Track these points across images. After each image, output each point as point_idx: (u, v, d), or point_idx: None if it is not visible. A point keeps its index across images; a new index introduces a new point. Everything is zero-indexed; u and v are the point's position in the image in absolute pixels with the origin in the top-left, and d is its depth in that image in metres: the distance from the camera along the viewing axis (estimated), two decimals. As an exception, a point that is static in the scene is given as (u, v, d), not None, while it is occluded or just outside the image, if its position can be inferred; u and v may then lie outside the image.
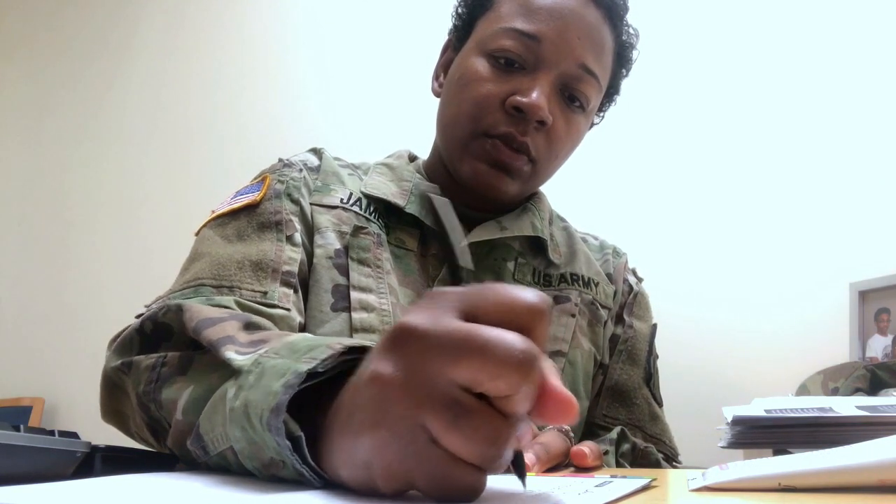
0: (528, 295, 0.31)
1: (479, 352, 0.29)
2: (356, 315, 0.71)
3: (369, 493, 0.32)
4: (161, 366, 0.50)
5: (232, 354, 0.43)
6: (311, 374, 0.35)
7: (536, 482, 0.41)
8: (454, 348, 0.29)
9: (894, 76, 1.50)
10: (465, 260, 0.37)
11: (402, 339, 0.31)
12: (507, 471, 0.33)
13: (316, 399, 0.37)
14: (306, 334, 0.47)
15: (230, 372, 0.41)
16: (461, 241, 0.37)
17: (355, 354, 0.37)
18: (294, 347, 0.39)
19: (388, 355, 0.31)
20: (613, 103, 0.90)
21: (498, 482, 0.36)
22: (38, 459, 0.40)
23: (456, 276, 0.37)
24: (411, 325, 0.31)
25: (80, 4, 2.29)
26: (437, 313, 0.31)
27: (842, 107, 1.52)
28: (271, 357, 0.39)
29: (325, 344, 0.38)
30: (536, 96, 0.73)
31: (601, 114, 0.89)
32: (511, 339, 0.29)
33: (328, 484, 0.35)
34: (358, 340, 0.39)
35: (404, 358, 0.31)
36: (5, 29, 2.38)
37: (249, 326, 0.49)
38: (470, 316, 0.31)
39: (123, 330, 0.58)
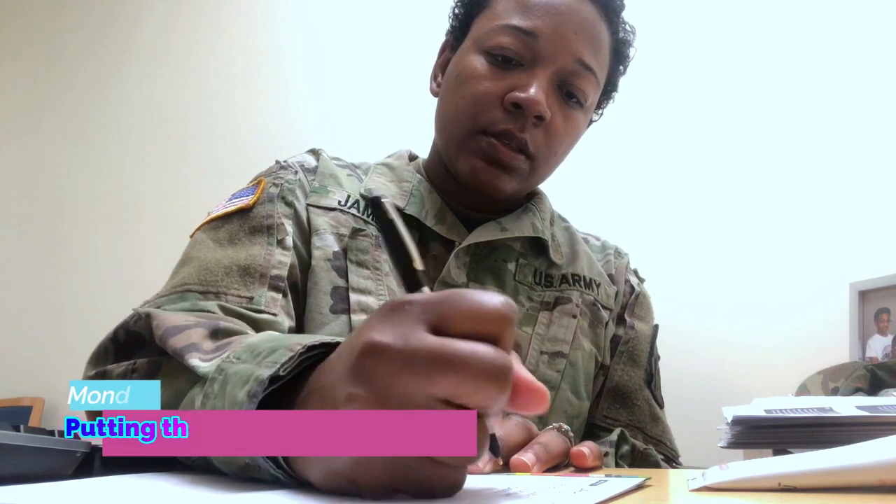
0: (494, 301, 0.31)
1: (456, 369, 0.29)
2: (356, 317, 0.71)
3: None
4: (131, 373, 0.51)
5: (196, 362, 0.43)
6: (274, 378, 0.35)
7: (534, 481, 0.41)
8: (429, 366, 0.29)
9: (894, 77, 1.50)
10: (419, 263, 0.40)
11: (374, 360, 0.30)
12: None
13: (280, 393, 0.37)
14: (271, 332, 0.48)
15: (195, 377, 0.42)
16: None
17: (319, 350, 0.37)
18: (255, 351, 0.39)
19: (359, 378, 0.31)
20: (612, 101, 0.89)
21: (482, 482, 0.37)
22: (38, 459, 0.40)
23: (413, 283, 0.40)
24: (381, 343, 0.30)
25: (77, 4, 2.29)
26: (405, 328, 0.31)
27: (841, 108, 1.52)
28: (233, 362, 0.39)
29: (285, 346, 0.37)
30: (534, 91, 0.73)
31: (599, 111, 0.89)
32: (485, 352, 0.30)
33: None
34: (320, 337, 0.38)
35: (378, 380, 0.30)
36: (3, 29, 2.38)
37: (217, 333, 0.49)
38: (438, 327, 0.31)
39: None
